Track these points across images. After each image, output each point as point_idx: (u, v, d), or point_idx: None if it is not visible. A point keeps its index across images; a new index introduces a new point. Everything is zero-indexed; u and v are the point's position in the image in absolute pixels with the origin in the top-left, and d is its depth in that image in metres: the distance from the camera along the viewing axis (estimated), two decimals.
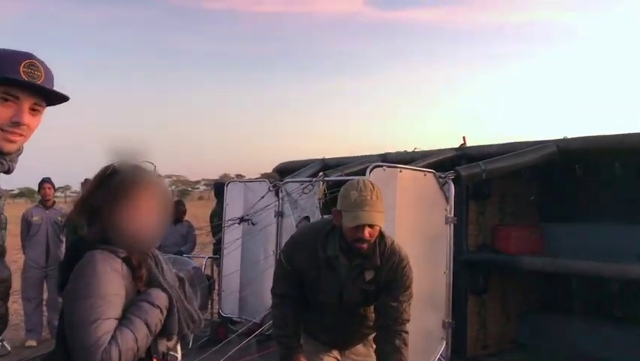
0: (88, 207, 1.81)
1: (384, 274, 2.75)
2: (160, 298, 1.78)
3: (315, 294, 2.88)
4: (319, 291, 2.84)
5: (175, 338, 1.87)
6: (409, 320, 2.77)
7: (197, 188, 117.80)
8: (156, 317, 1.75)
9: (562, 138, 5.24)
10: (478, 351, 5.82)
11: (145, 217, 1.83)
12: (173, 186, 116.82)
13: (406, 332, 2.75)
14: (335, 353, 3.06)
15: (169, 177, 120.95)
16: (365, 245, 2.66)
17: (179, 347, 2.03)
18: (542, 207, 6.43)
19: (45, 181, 7.14)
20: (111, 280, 1.69)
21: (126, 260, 1.76)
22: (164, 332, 1.81)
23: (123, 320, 1.68)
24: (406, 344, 2.74)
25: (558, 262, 5.23)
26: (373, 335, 2.99)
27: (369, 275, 2.75)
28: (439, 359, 4.63)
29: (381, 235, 2.75)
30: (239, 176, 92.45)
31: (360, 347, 3.09)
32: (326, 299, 2.85)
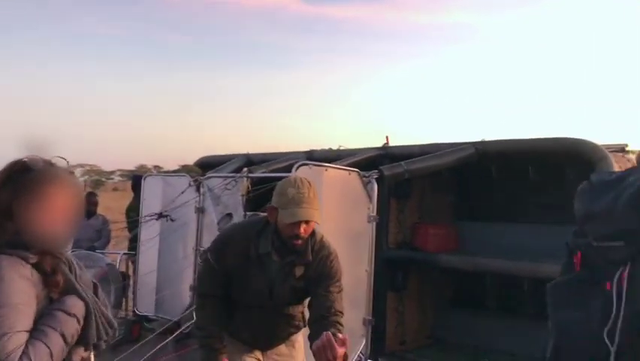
0: None
1: (313, 269, 2.76)
2: (76, 306, 1.67)
3: (243, 293, 2.84)
4: (247, 290, 2.81)
5: (91, 347, 1.77)
6: (342, 312, 2.73)
7: (112, 179, 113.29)
8: (72, 327, 1.64)
9: (480, 140, 5.42)
10: (396, 347, 5.93)
11: (58, 216, 1.71)
12: (86, 177, 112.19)
13: (341, 324, 2.67)
14: (257, 353, 3.01)
15: (81, 166, 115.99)
16: (300, 242, 2.68)
17: (92, 355, 1.91)
18: (459, 206, 6.64)
19: None
20: (20, 288, 1.55)
21: (36, 266, 1.63)
22: (81, 342, 1.71)
23: (36, 332, 1.55)
24: (338, 323, 2.66)
25: (473, 260, 5.42)
26: (296, 334, 3.03)
27: (299, 271, 2.76)
28: (358, 356, 4.67)
29: (312, 230, 2.76)
30: (156, 167, 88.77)
31: (282, 347, 3.05)
32: (254, 298, 2.82)
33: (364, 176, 4.78)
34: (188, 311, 5.92)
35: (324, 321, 2.63)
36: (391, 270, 5.83)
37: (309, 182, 2.72)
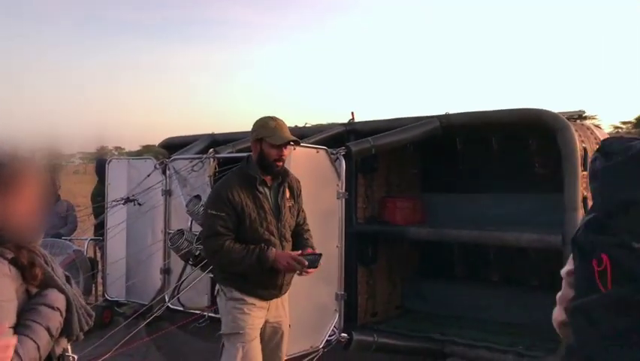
0: None
1: (294, 189, 3.38)
2: (59, 300, 1.69)
3: (258, 225, 3.18)
4: (260, 215, 3.18)
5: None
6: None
7: (73, 162, 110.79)
8: (57, 321, 1.66)
9: (444, 113, 5.48)
10: (368, 319, 6.04)
11: (31, 207, 1.71)
12: (45, 161, 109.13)
13: (311, 235, 3.50)
14: (263, 313, 3.32)
15: (39, 150, 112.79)
16: (281, 164, 3.27)
17: (69, 344, 1.92)
18: (426, 179, 6.74)
19: None
20: (1, 285, 1.55)
21: (13, 261, 1.61)
22: (64, 333, 1.73)
23: (22, 328, 1.56)
24: (311, 236, 3.50)
25: (441, 232, 5.53)
26: (288, 289, 3.45)
27: (288, 193, 3.32)
28: (332, 330, 4.75)
29: None
30: (117, 148, 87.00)
31: (280, 306, 3.42)
32: (266, 223, 3.19)
33: (332, 153, 4.80)
34: (157, 295, 5.91)
35: (301, 229, 3.46)
36: (361, 244, 5.90)
37: (277, 116, 3.32)
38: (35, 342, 1.56)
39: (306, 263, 3.16)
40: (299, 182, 3.47)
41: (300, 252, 3.22)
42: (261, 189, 3.24)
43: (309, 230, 3.53)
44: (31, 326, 1.58)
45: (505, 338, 5.22)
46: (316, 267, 3.25)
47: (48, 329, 1.62)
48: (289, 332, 3.56)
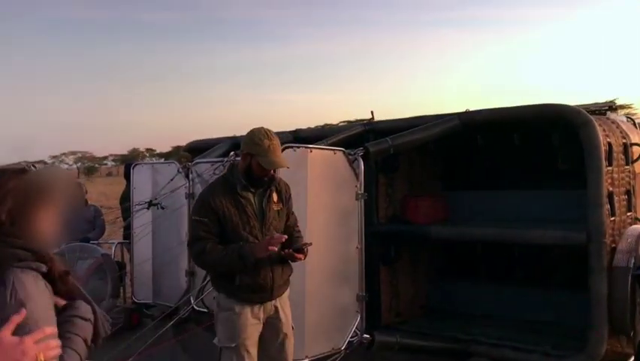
0: None
1: (283, 193, 3.41)
2: (88, 311, 1.73)
3: (239, 227, 3.23)
4: (242, 220, 3.23)
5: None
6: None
7: (105, 164, 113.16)
8: (90, 332, 1.71)
9: (464, 111, 5.43)
10: (392, 319, 6.02)
11: (60, 218, 1.76)
12: (79, 163, 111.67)
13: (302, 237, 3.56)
14: (260, 315, 3.32)
15: (73, 153, 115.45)
16: (266, 178, 3.30)
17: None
18: (448, 176, 6.68)
19: None
20: (43, 301, 1.60)
21: (45, 275, 1.66)
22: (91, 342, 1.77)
23: (64, 340, 1.60)
24: (301, 236, 3.55)
25: (464, 231, 5.48)
26: (287, 292, 3.45)
27: (275, 197, 3.36)
28: (354, 332, 4.75)
29: None
30: (149, 150, 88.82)
31: (279, 310, 3.39)
32: (250, 229, 3.24)
33: (350, 154, 4.80)
34: (184, 296, 6.00)
35: (292, 231, 3.49)
36: (383, 244, 5.89)
37: (273, 132, 3.33)
38: (77, 353, 1.62)
39: (285, 237, 3.17)
40: (288, 186, 3.50)
41: (279, 234, 3.20)
42: (243, 194, 3.28)
43: (299, 233, 3.58)
44: (71, 338, 1.63)
45: (530, 337, 5.15)
46: (304, 251, 3.31)
47: (85, 340, 1.67)
48: (293, 335, 3.53)
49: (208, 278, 5.53)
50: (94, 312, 1.76)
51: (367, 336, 4.76)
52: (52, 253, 1.75)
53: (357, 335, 4.76)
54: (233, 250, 3.19)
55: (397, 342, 4.98)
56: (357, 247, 4.78)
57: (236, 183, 3.28)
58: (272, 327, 3.40)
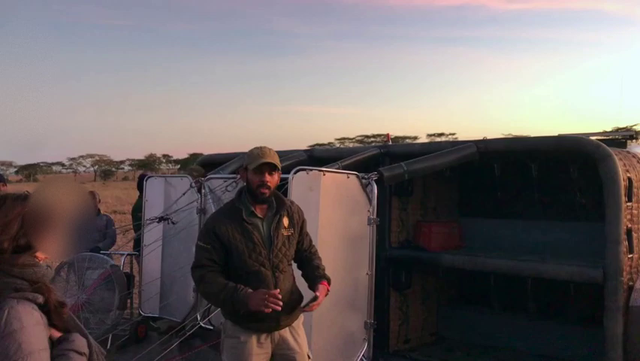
0: None
1: (296, 219, 3.31)
2: (84, 345, 1.70)
3: (245, 255, 3.14)
4: (248, 248, 3.14)
5: None
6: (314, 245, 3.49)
7: (122, 168, 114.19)
8: None
9: (482, 138, 5.36)
10: (400, 346, 5.93)
11: (63, 242, 1.75)
12: (96, 167, 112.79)
13: (316, 251, 3.48)
14: (266, 345, 3.22)
15: (91, 156, 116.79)
16: (267, 191, 3.18)
17: None
18: (463, 203, 6.59)
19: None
20: (37, 333, 1.57)
21: (41, 306, 1.63)
22: None
23: None
24: (320, 258, 3.45)
25: (477, 260, 5.38)
26: (299, 320, 3.34)
27: (286, 221, 3.26)
28: (360, 359, 4.67)
29: (277, 192, 3.31)
30: (165, 156, 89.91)
31: (289, 337, 3.27)
32: (256, 256, 3.14)
33: (364, 177, 4.74)
34: (191, 311, 5.96)
35: (309, 255, 3.40)
36: (394, 269, 5.81)
37: (266, 147, 3.30)
38: None
39: (280, 302, 2.95)
40: (301, 210, 3.40)
41: (277, 290, 3.03)
42: (250, 220, 3.19)
43: (316, 253, 3.45)
44: None
45: None
46: (310, 307, 3.21)
47: None
48: None
49: None
50: (89, 345, 1.73)
51: None
52: (49, 284, 1.72)
53: None
54: (229, 291, 3.06)
55: None
56: (367, 273, 4.71)
57: (243, 209, 3.20)
58: (283, 358, 3.28)
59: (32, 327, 1.55)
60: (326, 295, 3.28)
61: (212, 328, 5.66)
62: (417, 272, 6.05)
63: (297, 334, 3.32)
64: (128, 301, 6.92)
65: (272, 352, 3.26)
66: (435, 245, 5.92)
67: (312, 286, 3.29)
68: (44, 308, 1.63)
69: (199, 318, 5.71)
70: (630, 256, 4.54)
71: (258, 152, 3.21)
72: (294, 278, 3.34)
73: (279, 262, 3.20)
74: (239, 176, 5.58)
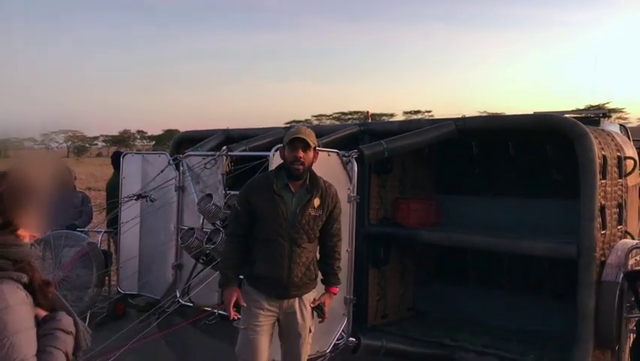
0: None
1: (328, 202, 3.48)
2: (70, 323, 1.70)
3: (269, 223, 3.40)
4: (273, 217, 3.37)
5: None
6: (340, 255, 3.72)
7: (96, 144, 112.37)
8: (71, 345, 1.69)
9: (460, 117, 5.39)
10: (378, 321, 6.01)
11: (44, 217, 1.73)
12: (69, 143, 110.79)
13: (340, 249, 3.70)
14: (274, 307, 3.48)
15: (64, 132, 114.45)
16: (300, 167, 3.38)
17: None
18: (441, 181, 6.65)
19: None
20: (23, 312, 1.57)
21: (26, 285, 1.62)
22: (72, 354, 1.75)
23: (44, 355, 1.58)
24: (340, 254, 3.69)
25: (454, 237, 5.46)
26: (309, 294, 3.55)
27: (317, 202, 3.43)
28: (340, 334, 4.73)
29: (315, 173, 3.52)
30: (140, 132, 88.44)
31: (296, 305, 3.50)
32: (279, 226, 3.37)
33: (344, 155, 4.75)
34: (169, 288, 5.95)
35: (332, 245, 3.61)
36: (373, 246, 5.86)
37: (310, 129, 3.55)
38: None
39: (235, 318, 3.46)
40: (337, 197, 3.59)
41: (235, 312, 3.45)
42: (280, 192, 3.41)
43: (337, 246, 3.66)
44: (52, 353, 1.60)
45: (516, 347, 5.16)
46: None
47: (66, 354, 1.64)
48: (309, 338, 3.61)
49: (195, 274, 5.51)
50: (75, 324, 1.73)
51: (353, 339, 4.74)
52: (34, 263, 1.71)
53: (342, 337, 4.73)
54: (227, 264, 3.55)
55: (383, 346, 4.95)
56: (347, 250, 4.73)
57: (275, 181, 3.42)
58: (289, 325, 3.53)
59: (18, 306, 1.54)
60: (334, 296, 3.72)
61: (191, 305, 5.67)
62: (395, 248, 6.11)
63: (305, 307, 3.54)
64: (106, 278, 6.88)
65: (279, 317, 3.51)
66: (413, 222, 5.98)
67: (323, 283, 3.68)
68: (29, 288, 1.62)
69: (178, 295, 5.72)
70: (603, 232, 4.65)
71: (294, 130, 3.49)
72: (313, 255, 3.55)
73: (298, 238, 3.41)
74: (219, 153, 5.58)
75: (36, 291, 1.65)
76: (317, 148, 3.61)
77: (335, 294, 3.71)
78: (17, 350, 1.49)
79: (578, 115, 5.74)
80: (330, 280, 3.67)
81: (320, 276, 3.69)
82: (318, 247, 3.63)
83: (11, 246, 1.63)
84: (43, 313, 1.67)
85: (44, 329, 1.63)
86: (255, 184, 3.56)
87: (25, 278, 1.61)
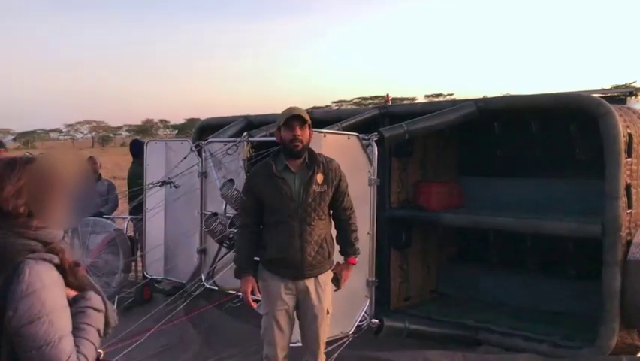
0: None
1: (331, 176, 3.47)
2: (100, 302, 1.74)
3: (275, 207, 3.41)
4: (279, 200, 3.39)
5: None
6: (357, 227, 3.72)
7: (120, 134, 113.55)
8: (102, 322, 1.73)
9: (482, 97, 5.34)
10: (401, 303, 6.03)
11: (72, 205, 1.78)
12: (94, 133, 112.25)
13: (355, 220, 3.70)
14: (290, 287, 3.48)
15: (88, 122, 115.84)
16: (299, 144, 3.37)
17: None
18: (462, 162, 6.61)
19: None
20: (58, 291, 1.61)
21: (57, 266, 1.67)
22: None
23: (79, 331, 1.63)
24: (356, 225, 3.70)
25: (476, 219, 5.44)
26: (325, 274, 3.54)
27: (320, 178, 3.42)
28: (363, 316, 4.76)
29: (313, 150, 3.51)
30: (163, 121, 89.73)
31: (312, 285, 3.49)
32: (286, 208, 3.38)
33: (364, 139, 4.74)
34: (194, 272, 6.03)
35: (345, 216, 3.63)
36: (394, 229, 5.87)
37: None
38: (92, 343, 1.64)
39: (252, 306, 3.53)
40: (339, 170, 3.56)
41: (254, 301, 3.52)
42: (281, 175, 3.41)
43: (352, 216, 3.67)
44: (86, 329, 1.64)
45: (541, 327, 5.13)
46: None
47: (98, 331, 1.69)
48: (327, 319, 3.60)
49: (219, 258, 5.59)
50: (103, 302, 1.77)
51: (376, 321, 4.76)
52: (63, 245, 1.75)
53: (365, 319, 4.76)
54: (240, 258, 3.58)
55: (406, 328, 4.97)
56: (368, 233, 4.75)
57: (275, 165, 3.43)
58: (305, 306, 3.53)
59: (53, 286, 1.59)
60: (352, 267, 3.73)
61: (216, 288, 5.76)
62: (417, 231, 6.11)
63: (322, 288, 3.53)
64: (132, 264, 7.01)
65: (298, 298, 3.52)
66: (435, 205, 5.96)
67: (342, 255, 3.68)
68: (59, 269, 1.67)
69: (203, 279, 5.80)
70: (629, 211, 4.59)
71: (287, 110, 3.47)
72: (325, 233, 3.52)
73: (307, 216, 3.40)
74: (240, 139, 5.62)
75: (66, 272, 1.70)
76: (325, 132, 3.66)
77: (353, 264, 3.72)
78: (55, 327, 1.54)
79: (603, 94, 5.65)
80: (347, 251, 3.68)
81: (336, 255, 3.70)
82: (333, 223, 3.64)
83: (42, 229, 1.68)
84: (73, 293, 1.72)
85: (76, 307, 1.67)
86: (256, 172, 3.60)
87: (56, 259, 1.66)
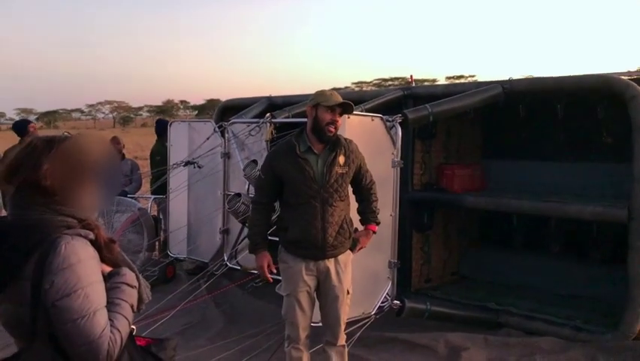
0: (36, 184, 1.65)
1: (352, 157, 3.49)
2: (134, 278, 1.79)
3: (297, 187, 3.40)
4: (301, 181, 3.38)
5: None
6: (377, 198, 3.77)
7: (140, 115, 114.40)
8: (135, 298, 1.77)
9: (507, 79, 5.28)
10: (422, 285, 6.05)
11: (102, 184, 1.81)
12: (115, 113, 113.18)
13: (375, 191, 3.75)
14: (312, 268, 3.48)
15: (109, 103, 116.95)
16: (334, 130, 3.40)
17: None
18: (486, 145, 6.56)
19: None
20: (93, 266, 1.65)
21: (92, 242, 1.71)
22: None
23: (113, 306, 1.67)
24: (376, 196, 3.75)
25: (499, 201, 5.39)
26: (346, 254, 3.56)
27: (342, 159, 3.43)
28: (385, 297, 4.78)
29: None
30: (183, 102, 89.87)
31: (333, 267, 3.50)
32: (308, 188, 3.38)
33: (388, 120, 4.72)
34: (219, 256, 6.10)
35: (367, 193, 3.70)
36: (417, 211, 5.86)
37: None
38: (126, 318, 1.68)
39: (271, 281, 3.58)
40: (358, 151, 3.58)
41: (269, 271, 3.56)
42: (304, 155, 3.41)
43: (372, 189, 3.72)
44: (120, 304, 1.68)
45: (563, 311, 5.11)
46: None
47: (132, 306, 1.73)
48: (347, 299, 3.62)
49: (243, 237, 5.64)
50: (137, 279, 1.81)
51: (397, 302, 4.79)
52: (97, 221, 1.79)
53: (387, 300, 4.79)
54: (255, 233, 3.60)
55: (427, 309, 4.99)
56: (391, 215, 4.75)
57: (298, 145, 3.42)
58: (326, 286, 3.54)
59: (88, 260, 1.63)
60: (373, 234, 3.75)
61: (238, 268, 5.83)
62: (439, 214, 6.10)
63: (342, 269, 3.55)
64: (156, 243, 7.11)
65: (319, 278, 3.53)
66: (457, 187, 5.94)
67: (363, 224, 3.73)
68: (95, 244, 1.70)
69: (226, 259, 5.87)
70: None
71: (331, 93, 3.48)
72: (345, 214, 3.53)
73: (329, 197, 3.41)
74: (263, 120, 5.63)
75: (102, 247, 1.73)
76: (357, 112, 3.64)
77: (374, 232, 3.75)
78: (90, 301, 1.58)
79: (629, 76, 5.54)
80: (368, 218, 3.72)
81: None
82: (355, 196, 3.71)
83: (76, 205, 1.71)
84: (108, 268, 1.75)
85: (110, 283, 1.71)
86: (278, 151, 3.57)
87: (91, 235, 1.70)
